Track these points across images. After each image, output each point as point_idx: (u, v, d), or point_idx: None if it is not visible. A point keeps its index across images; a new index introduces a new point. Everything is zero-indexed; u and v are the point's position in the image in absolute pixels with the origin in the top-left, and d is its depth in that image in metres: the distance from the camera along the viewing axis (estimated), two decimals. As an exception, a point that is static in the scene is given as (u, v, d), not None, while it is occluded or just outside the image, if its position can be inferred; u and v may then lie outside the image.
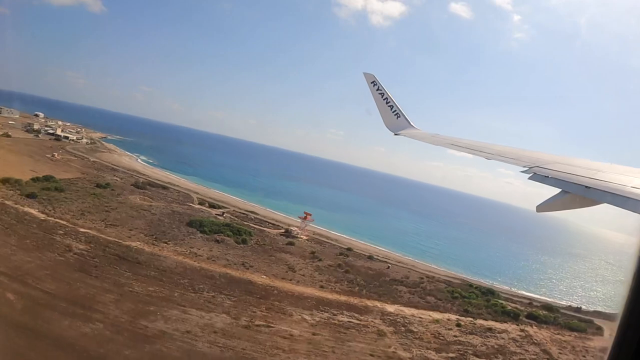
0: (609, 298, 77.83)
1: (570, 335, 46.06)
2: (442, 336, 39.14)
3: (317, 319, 36.20)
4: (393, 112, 16.02)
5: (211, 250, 50.38)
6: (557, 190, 6.93)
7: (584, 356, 41.38)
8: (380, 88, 16.01)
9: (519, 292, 67.65)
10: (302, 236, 65.74)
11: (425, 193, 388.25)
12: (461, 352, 36.45)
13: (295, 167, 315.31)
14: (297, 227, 68.42)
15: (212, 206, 74.80)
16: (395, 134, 15.42)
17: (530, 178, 7.93)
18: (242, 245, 54.80)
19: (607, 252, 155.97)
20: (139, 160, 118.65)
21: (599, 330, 50.04)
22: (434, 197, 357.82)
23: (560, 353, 40.73)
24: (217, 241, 54.04)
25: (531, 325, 47.43)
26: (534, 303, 58.60)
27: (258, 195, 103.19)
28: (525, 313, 50.89)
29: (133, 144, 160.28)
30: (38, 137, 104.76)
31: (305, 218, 69.36)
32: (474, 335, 41.23)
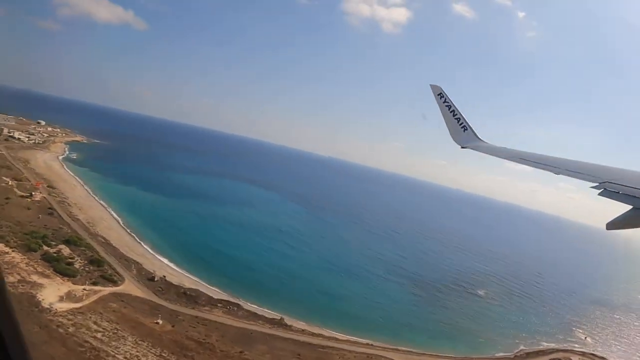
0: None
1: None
2: None
3: None
4: (460, 124, 15.93)
5: None
6: (627, 207, 6.65)
7: None
8: (447, 100, 15.89)
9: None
10: (36, 197, 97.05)
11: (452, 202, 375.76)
12: None
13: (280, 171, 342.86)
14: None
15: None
16: (462, 147, 15.24)
17: (600, 194, 7.65)
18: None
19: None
20: (60, 157, 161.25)
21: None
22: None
23: None
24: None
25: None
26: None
27: (110, 182, 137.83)
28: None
29: (95, 146, 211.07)
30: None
31: (37, 185, 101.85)
32: None
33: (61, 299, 53.55)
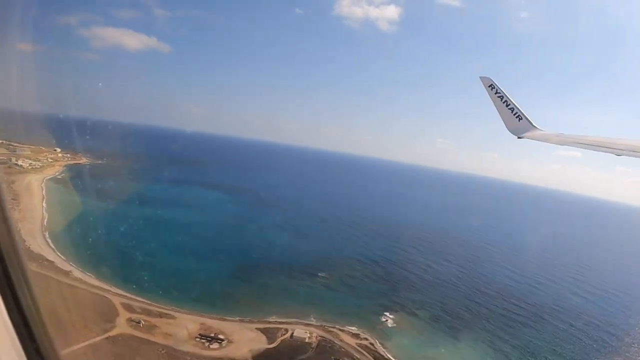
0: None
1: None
2: None
3: None
4: (514, 114, 15.98)
5: None
6: None
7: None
8: (498, 91, 16.03)
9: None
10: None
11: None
12: None
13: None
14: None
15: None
16: (519, 137, 15.35)
17: None
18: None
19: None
20: (46, 178, 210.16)
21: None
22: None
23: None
24: None
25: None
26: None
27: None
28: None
29: (92, 167, 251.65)
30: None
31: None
32: None
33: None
